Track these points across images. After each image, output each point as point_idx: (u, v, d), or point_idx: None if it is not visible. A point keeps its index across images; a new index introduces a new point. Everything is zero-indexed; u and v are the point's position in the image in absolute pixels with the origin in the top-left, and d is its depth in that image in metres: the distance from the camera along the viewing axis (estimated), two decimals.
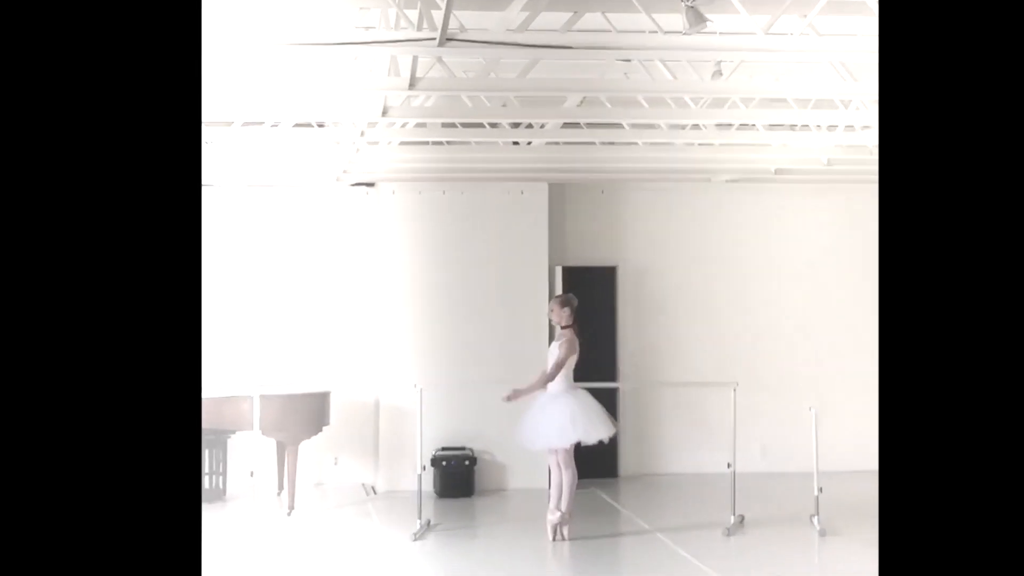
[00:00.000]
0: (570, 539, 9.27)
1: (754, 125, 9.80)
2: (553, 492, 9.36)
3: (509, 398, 9.19)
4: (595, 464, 12.08)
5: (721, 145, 10.54)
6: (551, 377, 9.16)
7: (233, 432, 10.78)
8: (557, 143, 10.53)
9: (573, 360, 9.25)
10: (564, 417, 9.09)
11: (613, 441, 12.18)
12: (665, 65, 7.97)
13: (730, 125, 9.85)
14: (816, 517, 9.58)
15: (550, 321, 9.62)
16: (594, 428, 9.16)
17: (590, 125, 10.07)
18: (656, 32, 6.85)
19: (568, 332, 9.28)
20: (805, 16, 6.88)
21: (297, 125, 9.75)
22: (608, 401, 11.23)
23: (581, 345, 9.32)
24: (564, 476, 9.26)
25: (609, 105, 9.24)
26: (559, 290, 12.08)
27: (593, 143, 10.52)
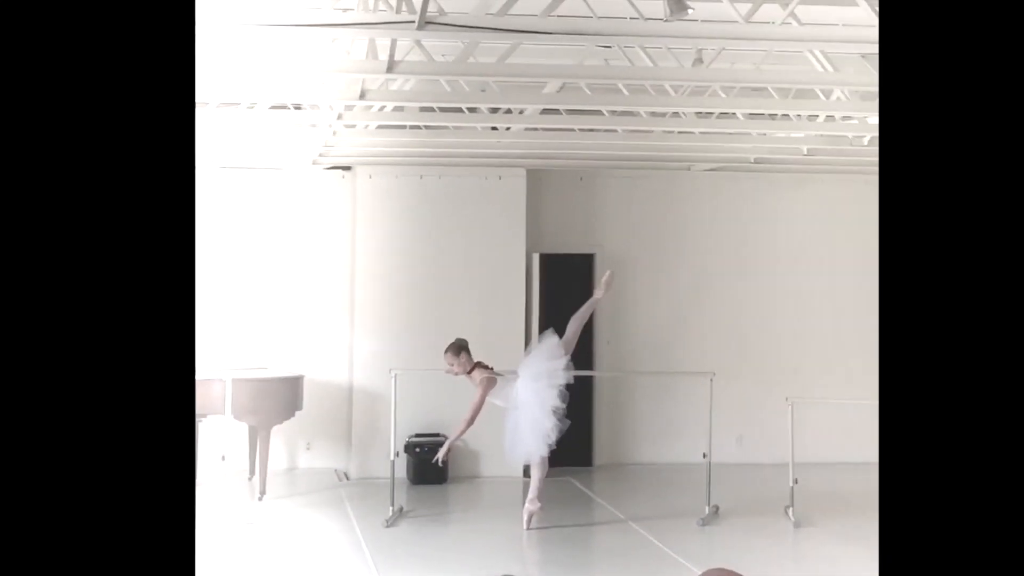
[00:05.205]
0: (540, 527, 9.28)
1: (734, 114, 9.76)
2: (533, 483, 9.33)
3: (444, 457, 9.41)
4: (569, 453, 12.03)
5: (701, 133, 10.49)
6: (471, 421, 9.24)
7: (205, 415, 10.69)
8: (536, 129, 10.46)
9: (496, 389, 9.28)
10: (535, 427, 9.16)
11: (588, 430, 12.22)
12: (645, 52, 7.91)
13: (710, 113, 9.80)
14: (791, 508, 9.57)
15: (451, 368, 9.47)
16: (555, 409, 9.13)
17: (569, 111, 10.00)
18: (637, 18, 6.79)
19: (477, 374, 9.25)
20: (787, 5, 6.82)
21: (274, 107, 9.66)
22: (584, 389, 11.22)
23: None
24: (542, 469, 9.27)
25: (589, 91, 9.16)
26: (536, 277, 12.05)
27: (572, 130, 10.45)
